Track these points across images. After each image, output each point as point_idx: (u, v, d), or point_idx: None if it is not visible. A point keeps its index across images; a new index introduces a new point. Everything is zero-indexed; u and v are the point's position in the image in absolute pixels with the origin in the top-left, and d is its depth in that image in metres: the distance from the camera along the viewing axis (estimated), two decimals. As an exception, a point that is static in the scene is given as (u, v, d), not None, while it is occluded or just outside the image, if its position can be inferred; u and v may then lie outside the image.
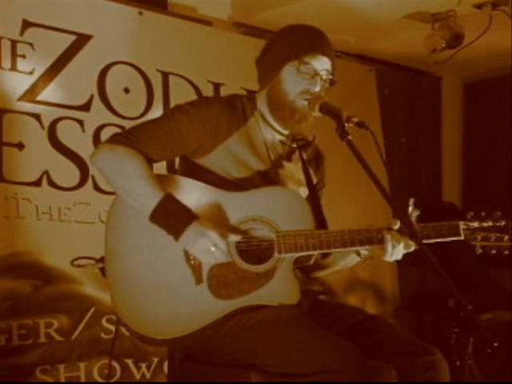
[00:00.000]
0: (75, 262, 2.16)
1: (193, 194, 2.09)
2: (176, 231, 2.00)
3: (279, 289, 2.09)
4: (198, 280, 2.05)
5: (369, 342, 2.08)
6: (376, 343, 2.10)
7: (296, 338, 1.98)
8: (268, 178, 2.21)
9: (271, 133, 2.26)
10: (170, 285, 2.04)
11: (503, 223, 2.20)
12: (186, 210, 2.02)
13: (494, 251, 2.19)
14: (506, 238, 2.18)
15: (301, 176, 2.30)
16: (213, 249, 1.99)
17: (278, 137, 2.28)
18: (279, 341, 1.99)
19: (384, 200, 1.94)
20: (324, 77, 2.19)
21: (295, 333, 2.00)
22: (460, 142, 5.37)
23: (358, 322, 2.19)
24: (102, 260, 2.08)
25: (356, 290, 4.41)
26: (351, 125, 2.03)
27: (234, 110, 2.21)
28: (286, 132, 2.28)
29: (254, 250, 2.11)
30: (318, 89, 2.18)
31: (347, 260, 2.26)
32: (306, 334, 2.00)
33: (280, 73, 2.19)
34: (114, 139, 2.10)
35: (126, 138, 2.09)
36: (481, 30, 3.96)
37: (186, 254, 2.06)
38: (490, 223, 2.20)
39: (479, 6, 3.85)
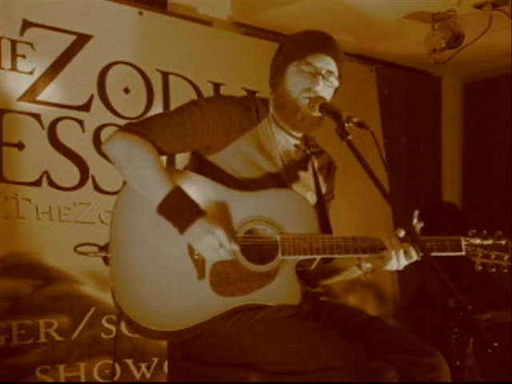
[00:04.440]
0: (78, 249, 2.16)
1: (201, 189, 2.10)
2: (182, 224, 2.00)
3: (281, 290, 2.10)
4: (200, 275, 2.06)
5: (370, 344, 2.07)
6: (377, 345, 2.09)
7: (295, 337, 1.98)
8: (277, 180, 2.21)
9: (284, 136, 2.27)
10: (171, 278, 2.05)
11: (504, 242, 2.19)
12: (194, 204, 2.03)
13: (493, 269, 2.19)
14: (507, 257, 2.18)
15: (310, 181, 2.31)
16: (218, 247, 2.00)
17: (292, 140, 2.29)
18: (278, 339, 1.99)
19: (384, 201, 1.95)
20: (326, 76, 2.19)
21: (295, 331, 2.00)
22: (460, 142, 5.37)
23: (360, 323, 2.19)
24: (105, 248, 2.09)
25: (356, 290, 4.40)
26: (351, 125, 2.03)
27: (248, 111, 2.23)
28: (298, 135, 2.29)
29: (258, 250, 2.11)
30: (319, 87, 2.18)
31: (348, 272, 2.26)
32: (305, 332, 2.00)
33: (284, 74, 2.21)
34: (127, 128, 2.12)
35: (139, 128, 2.11)
36: (481, 30, 3.95)
37: (190, 249, 2.06)
38: (491, 241, 2.20)
39: (479, 6, 3.85)
